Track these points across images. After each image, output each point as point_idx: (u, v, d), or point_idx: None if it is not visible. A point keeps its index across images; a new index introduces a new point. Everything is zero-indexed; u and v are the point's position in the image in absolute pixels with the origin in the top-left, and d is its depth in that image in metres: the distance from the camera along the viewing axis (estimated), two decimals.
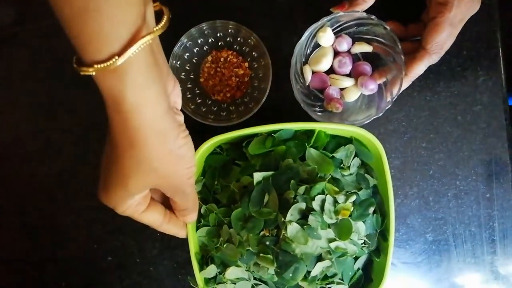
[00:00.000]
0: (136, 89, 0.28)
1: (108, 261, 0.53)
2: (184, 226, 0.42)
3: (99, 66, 0.27)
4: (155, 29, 0.29)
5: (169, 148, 0.32)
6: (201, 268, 0.45)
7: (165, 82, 0.33)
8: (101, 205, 0.51)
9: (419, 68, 0.45)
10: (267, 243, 0.42)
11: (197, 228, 0.46)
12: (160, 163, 0.32)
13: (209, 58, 0.48)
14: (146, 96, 0.29)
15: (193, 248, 0.44)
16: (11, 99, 0.51)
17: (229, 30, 0.46)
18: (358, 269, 0.47)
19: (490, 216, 0.53)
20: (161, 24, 0.30)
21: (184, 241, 0.51)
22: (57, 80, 0.51)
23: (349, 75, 0.48)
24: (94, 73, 0.27)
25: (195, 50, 0.47)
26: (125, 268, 0.53)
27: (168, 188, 0.36)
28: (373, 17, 0.43)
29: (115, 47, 0.27)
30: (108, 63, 0.26)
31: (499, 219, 0.53)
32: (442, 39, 0.43)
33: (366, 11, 0.43)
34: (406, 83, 0.46)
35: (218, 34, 0.47)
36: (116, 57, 0.26)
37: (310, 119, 0.47)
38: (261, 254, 0.42)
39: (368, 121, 0.45)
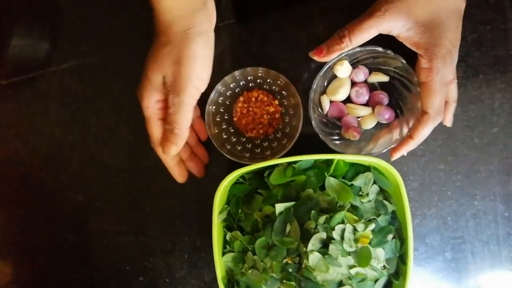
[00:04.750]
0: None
1: (139, 281, 0.56)
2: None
3: None
4: None
5: (186, 39, 0.40)
6: None
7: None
8: (132, 229, 0.55)
9: (424, 132, 0.45)
10: (290, 270, 0.44)
11: (223, 253, 0.48)
12: (175, 50, 0.40)
13: (241, 98, 0.51)
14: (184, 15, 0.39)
15: (219, 273, 0.47)
16: (47, 130, 0.54)
17: (259, 74, 0.48)
18: None
19: (509, 234, 0.54)
20: None
21: (210, 262, 0.55)
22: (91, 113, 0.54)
23: (366, 104, 0.49)
24: None
25: (227, 94, 0.50)
26: (156, 287, 0.56)
27: (172, 79, 0.41)
28: (388, 51, 0.44)
29: None
30: None
31: None
32: (438, 101, 0.43)
33: (381, 45, 0.44)
34: (413, 146, 0.46)
35: (248, 78, 0.49)
36: None
37: (328, 148, 0.48)
38: (284, 281, 0.44)
39: (385, 151, 0.46)
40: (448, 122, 0.49)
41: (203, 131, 0.50)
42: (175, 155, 0.46)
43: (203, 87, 0.43)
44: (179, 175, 0.49)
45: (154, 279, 0.56)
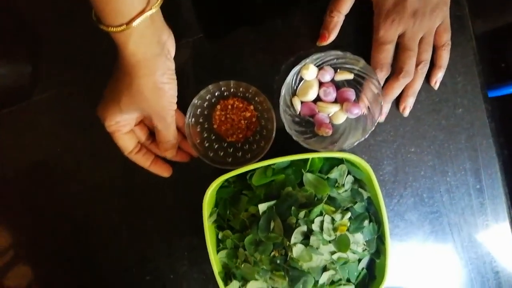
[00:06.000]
0: (134, 42, 0.41)
1: (146, 280, 0.60)
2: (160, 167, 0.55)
3: (111, 28, 0.40)
4: (156, 4, 0.41)
5: (153, 80, 0.44)
6: (226, 283, 0.52)
7: (160, 34, 0.44)
8: (134, 235, 0.59)
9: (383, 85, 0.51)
10: (278, 262, 0.48)
11: (218, 251, 0.53)
12: (146, 90, 0.44)
13: (218, 106, 0.54)
14: (142, 45, 0.42)
15: (216, 268, 0.51)
16: (40, 158, 0.58)
17: (231, 86, 0.51)
18: (363, 268, 0.53)
19: (482, 204, 0.58)
20: None
21: (209, 257, 0.59)
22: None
23: (335, 101, 0.52)
24: (107, 30, 0.40)
25: (205, 105, 0.53)
26: (162, 284, 0.60)
27: (152, 113, 0.48)
28: (348, 53, 0.47)
29: (125, 20, 0.39)
30: (118, 29, 0.39)
31: (490, 205, 0.58)
32: (379, 56, 0.50)
33: (341, 48, 0.48)
34: (385, 103, 0.52)
35: (222, 89, 0.52)
36: (124, 26, 0.39)
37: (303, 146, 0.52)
38: (274, 271, 0.49)
39: (356, 143, 0.50)
40: (434, 85, 0.54)
41: (180, 120, 0.55)
42: (147, 157, 0.54)
43: (175, 105, 0.49)
44: (160, 171, 0.55)
45: (159, 277, 0.60)
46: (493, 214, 0.58)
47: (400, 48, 0.50)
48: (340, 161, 0.51)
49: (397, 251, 0.58)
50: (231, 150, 0.54)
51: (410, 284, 0.59)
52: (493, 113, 0.55)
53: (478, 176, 0.57)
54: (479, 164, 0.57)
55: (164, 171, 0.55)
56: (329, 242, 0.48)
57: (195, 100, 0.51)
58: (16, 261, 0.61)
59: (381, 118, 0.53)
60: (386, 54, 0.50)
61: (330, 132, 0.51)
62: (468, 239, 0.59)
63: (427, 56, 0.51)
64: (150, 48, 0.43)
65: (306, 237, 0.48)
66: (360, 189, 0.51)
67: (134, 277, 0.60)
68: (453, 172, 0.57)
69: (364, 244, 0.51)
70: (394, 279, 0.58)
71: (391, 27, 0.48)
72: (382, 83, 0.51)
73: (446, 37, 0.51)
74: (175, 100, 0.48)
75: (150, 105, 0.46)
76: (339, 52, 0.47)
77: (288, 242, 0.47)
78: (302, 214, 0.48)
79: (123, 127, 0.50)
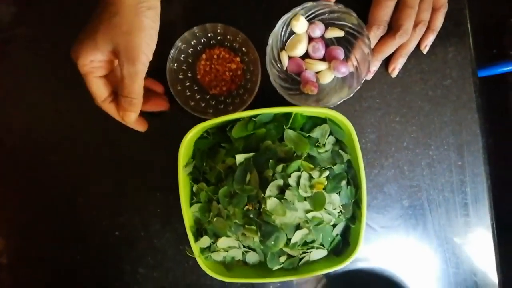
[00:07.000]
0: None
1: (116, 235, 0.58)
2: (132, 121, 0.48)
3: None
4: None
5: (136, 12, 0.42)
6: (196, 239, 0.51)
7: None
8: (106, 189, 0.57)
9: (375, 43, 0.50)
10: (251, 215, 0.47)
11: (191, 204, 0.51)
12: (126, 20, 0.42)
13: (203, 56, 0.52)
14: None
15: (187, 222, 0.50)
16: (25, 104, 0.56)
17: (218, 30, 0.50)
18: (337, 235, 0.52)
19: (462, 182, 0.57)
20: None
21: (182, 216, 0.58)
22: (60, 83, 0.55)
23: (323, 59, 0.51)
24: None
25: (189, 51, 0.51)
26: (132, 241, 0.59)
27: (125, 49, 0.43)
28: (340, 5, 0.46)
29: None
30: None
31: (470, 184, 0.57)
32: (379, 13, 0.49)
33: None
34: (375, 61, 0.51)
35: (209, 35, 0.51)
36: None
37: (289, 103, 0.51)
38: (246, 226, 0.48)
39: (340, 102, 0.49)
40: (424, 49, 0.53)
41: (156, 86, 0.53)
42: (104, 92, 0.48)
43: (151, 55, 0.45)
44: (135, 125, 0.51)
45: (130, 233, 0.58)
46: (472, 193, 0.58)
47: (400, 5, 0.49)
48: (323, 121, 0.50)
49: (373, 224, 0.58)
50: (213, 102, 0.53)
51: (383, 259, 0.58)
52: (480, 88, 0.55)
53: (460, 152, 0.57)
54: (462, 140, 0.56)
55: (139, 125, 0.52)
56: (305, 199, 0.47)
57: (178, 42, 0.49)
58: None
59: (369, 76, 0.52)
60: (387, 11, 0.49)
61: (316, 90, 0.50)
62: (445, 217, 0.58)
63: (426, 15, 0.50)
64: None
65: (281, 192, 0.46)
66: (340, 151, 0.50)
67: (103, 231, 0.58)
68: (436, 146, 0.56)
69: (340, 207, 0.50)
70: (367, 252, 0.57)
71: None
72: (375, 41, 0.50)
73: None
74: (153, 44, 0.44)
75: (126, 40, 0.43)
76: (331, 3, 0.46)
77: (262, 195, 0.46)
78: (279, 168, 0.46)
79: (97, 69, 0.46)
